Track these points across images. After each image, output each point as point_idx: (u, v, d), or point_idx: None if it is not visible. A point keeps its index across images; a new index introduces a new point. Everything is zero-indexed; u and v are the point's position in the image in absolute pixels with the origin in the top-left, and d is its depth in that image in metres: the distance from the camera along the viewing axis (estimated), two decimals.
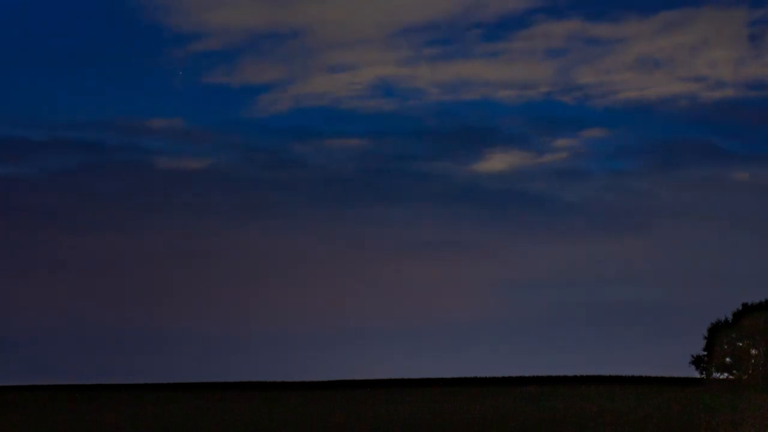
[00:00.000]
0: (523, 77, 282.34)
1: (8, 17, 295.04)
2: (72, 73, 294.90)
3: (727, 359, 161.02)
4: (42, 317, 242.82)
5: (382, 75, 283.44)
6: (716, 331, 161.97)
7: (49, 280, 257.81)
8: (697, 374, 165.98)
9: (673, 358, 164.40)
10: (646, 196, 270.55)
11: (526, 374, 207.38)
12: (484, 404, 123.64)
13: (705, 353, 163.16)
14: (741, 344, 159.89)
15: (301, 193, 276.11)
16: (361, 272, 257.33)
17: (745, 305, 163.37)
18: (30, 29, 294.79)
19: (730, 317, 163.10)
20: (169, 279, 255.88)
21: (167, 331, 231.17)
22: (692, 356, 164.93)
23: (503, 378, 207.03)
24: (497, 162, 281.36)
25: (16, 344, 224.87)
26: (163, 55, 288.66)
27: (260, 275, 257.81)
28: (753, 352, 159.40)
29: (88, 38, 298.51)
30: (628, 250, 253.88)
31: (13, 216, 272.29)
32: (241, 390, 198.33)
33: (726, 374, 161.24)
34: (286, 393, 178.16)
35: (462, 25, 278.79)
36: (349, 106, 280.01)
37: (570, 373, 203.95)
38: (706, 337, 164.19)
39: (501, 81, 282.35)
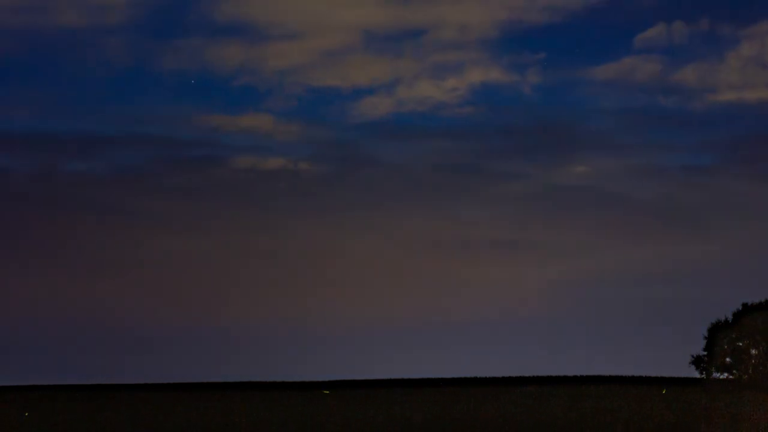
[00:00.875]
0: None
1: None
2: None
3: (727, 359, 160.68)
4: (79, 315, 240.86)
5: (483, 80, 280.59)
6: (716, 331, 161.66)
7: (113, 278, 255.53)
8: (696, 374, 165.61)
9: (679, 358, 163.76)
10: (724, 194, 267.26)
11: (526, 374, 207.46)
12: (469, 405, 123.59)
13: (705, 353, 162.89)
14: (741, 344, 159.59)
15: (378, 193, 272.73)
16: (424, 271, 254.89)
17: (745, 305, 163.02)
18: None
19: (730, 317, 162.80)
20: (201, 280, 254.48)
21: (183, 331, 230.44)
22: (692, 356, 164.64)
23: (502, 378, 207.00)
24: (583, 163, 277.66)
25: (94, 341, 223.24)
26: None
27: (318, 276, 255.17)
28: (753, 352, 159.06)
29: None
30: (701, 250, 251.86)
31: (81, 213, 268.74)
32: (245, 390, 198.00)
33: (726, 374, 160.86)
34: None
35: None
36: (448, 111, 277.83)
37: (570, 373, 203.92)
38: (705, 337, 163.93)
39: (600, 81, 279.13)
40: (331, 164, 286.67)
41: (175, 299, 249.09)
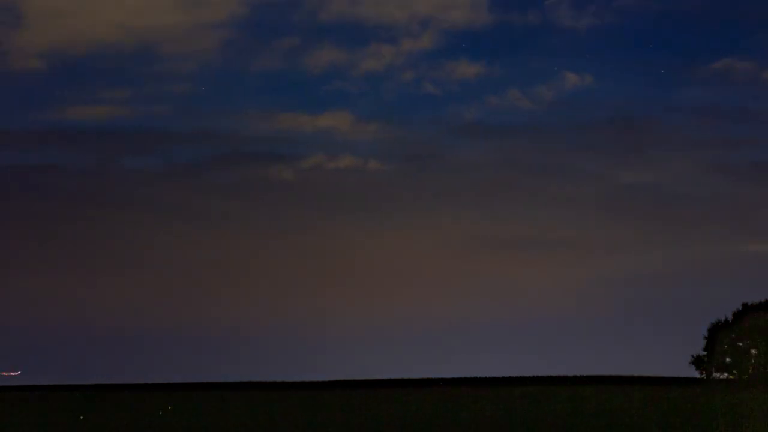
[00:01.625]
0: None
1: None
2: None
3: (727, 359, 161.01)
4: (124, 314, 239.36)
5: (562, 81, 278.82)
6: (716, 331, 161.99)
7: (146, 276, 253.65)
8: (697, 374, 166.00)
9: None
10: None
11: (526, 374, 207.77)
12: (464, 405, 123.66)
13: (705, 353, 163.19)
14: (741, 344, 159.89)
15: (447, 193, 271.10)
16: (477, 268, 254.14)
17: (745, 305, 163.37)
18: None
19: (730, 317, 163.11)
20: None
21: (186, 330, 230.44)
22: (692, 356, 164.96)
23: (502, 378, 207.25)
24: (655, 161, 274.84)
25: (146, 339, 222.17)
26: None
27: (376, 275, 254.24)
28: (753, 351, 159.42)
29: None
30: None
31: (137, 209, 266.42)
32: (245, 390, 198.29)
33: (726, 374, 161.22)
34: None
35: None
36: (526, 111, 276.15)
37: (571, 373, 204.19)
38: (706, 337, 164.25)
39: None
40: (403, 163, 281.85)
41: (239, 297, 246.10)
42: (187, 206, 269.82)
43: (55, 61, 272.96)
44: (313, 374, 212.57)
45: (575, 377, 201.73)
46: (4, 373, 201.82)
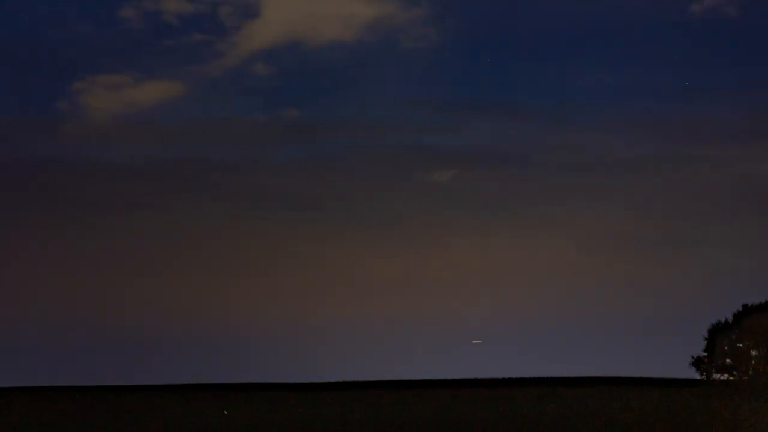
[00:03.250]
0: None
1: None
2: None
3: (728, 360, 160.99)
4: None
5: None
6: (716, 332, 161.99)
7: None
8: (696, 375, 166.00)
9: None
10: None
11: (526, 375, 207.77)
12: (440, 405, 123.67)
13: (705, 354, 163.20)
14: (741, 345, 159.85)
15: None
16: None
17: (745, 306, 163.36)
18: None
19: (730, 318, 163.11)
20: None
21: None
22: (692, 357, 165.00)
23: (502, 379, 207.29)
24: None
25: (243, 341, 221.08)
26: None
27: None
28: (753, 353, 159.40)
29: None
30: None
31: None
32: (246, 391, 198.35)
33: (726, 375, 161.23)
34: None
35: None
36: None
37: (571, 374, 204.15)
38: (706, 338, 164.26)
39: None
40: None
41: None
42: None
43: None
44: (312, 375, 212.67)
45: (575, 378, 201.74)
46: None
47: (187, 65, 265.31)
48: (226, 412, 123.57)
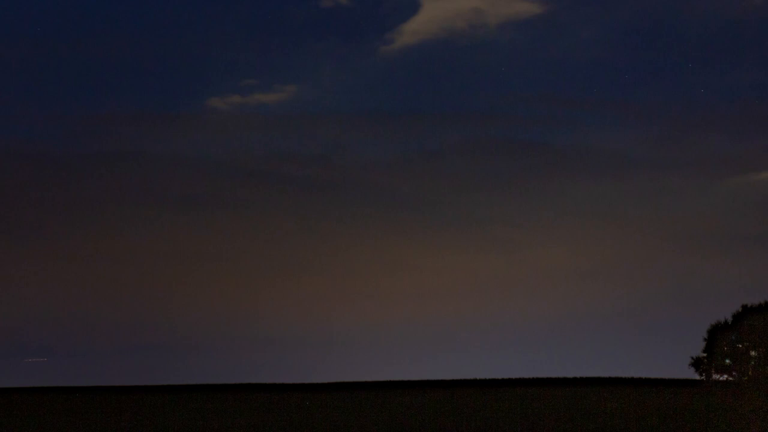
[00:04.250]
0: None
1: None
2: None
3: (727, 361, 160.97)
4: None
5: None
6: (716, 333, 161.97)
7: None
8: (696, 376, 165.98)
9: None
10: None
11: (526, 376, 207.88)
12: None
13: (705, 355, 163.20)
14: (740, 346, 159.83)
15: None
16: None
17: (744, 307, 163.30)
18: None
19: (729, 319, 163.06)
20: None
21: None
22: (692, 358, 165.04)
23: (499, 380, 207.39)
24: None
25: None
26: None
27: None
28: (753, 353, 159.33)
29: None
30: None
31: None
32: (247, 392, 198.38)
33: (726, 376, 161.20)
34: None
35: None
36: None
37: (570, 374, 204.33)
38: (705, 339, 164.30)
39: None
40: None
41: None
42: None
43: None
44: (313, 375, 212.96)
45: (575, 378, 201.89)
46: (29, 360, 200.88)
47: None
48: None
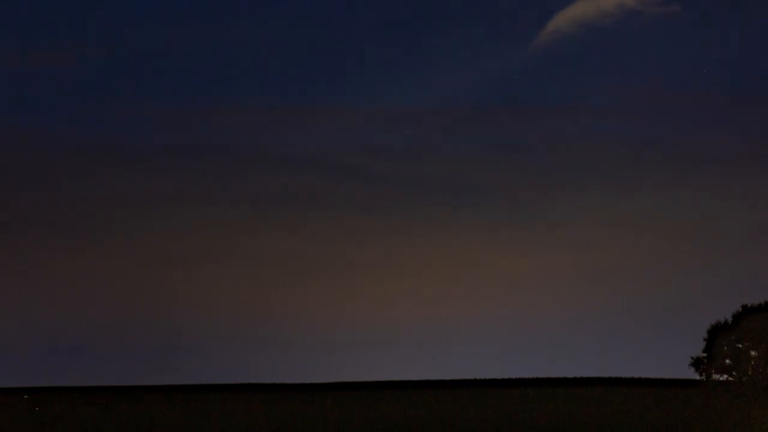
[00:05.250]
0: None
1: None
2: None
3: (727, 361, 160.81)
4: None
5: None
6: (716, 333, 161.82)
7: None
8: (696, 376, 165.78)
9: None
10: None
11: (526, 376, 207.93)
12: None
13: (705, 355, 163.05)
14: (741, 346, 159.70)
15: None
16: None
17: (744, 307, 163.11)
18: None
19: (729, 319, 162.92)
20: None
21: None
22: (692, 358, 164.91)
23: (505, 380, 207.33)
24: None
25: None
26: None
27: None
28: (753, 353, 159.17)
29: None
30: None
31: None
32: (247, 391, 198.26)
33: (726, 376, 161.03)
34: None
35: None
36: None
37: (569, 375, 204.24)
38: (705, 339, 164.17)
39: None
40: None
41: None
42: None
43: None
44: (313, 375, 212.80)
45: (575, 378, 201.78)
46: None
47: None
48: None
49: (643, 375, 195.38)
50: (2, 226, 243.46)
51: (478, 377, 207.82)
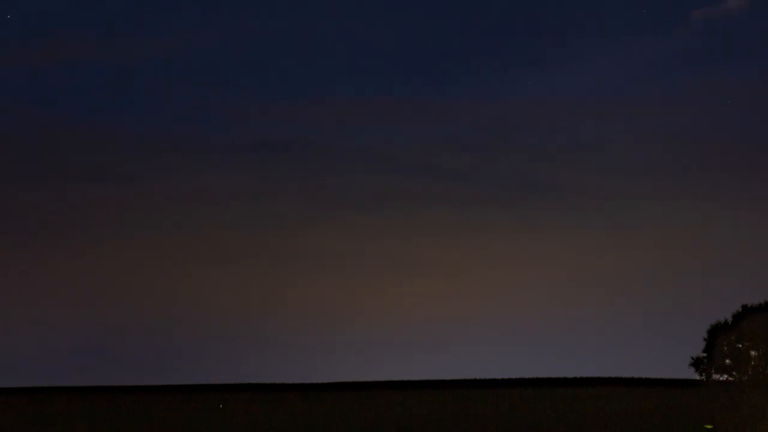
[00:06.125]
0: None
1: None
2: None
3: (727, 361, 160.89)
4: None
5: None
6: (716, 333, 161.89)
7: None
8: (696, 376, 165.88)
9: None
10: None
11: (527, 376, 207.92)
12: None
13: (704, 355, 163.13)
14: (741, 346, 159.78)
15: None
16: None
17: (744, 306, 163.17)
18: None
19: (729, 319, 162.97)
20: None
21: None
22: (692, 358, 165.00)
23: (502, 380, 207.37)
24: None
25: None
26: None
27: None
28: (753, 354, 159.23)
29: None
30: None
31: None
32: (246, 392, 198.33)
33: (726, 376, 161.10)
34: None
35: None
36: None
37: (569, 375, 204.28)
38: (705, 339, 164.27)
39: None
40: None
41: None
42: None
43: None
44: (313, 375, 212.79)
45: (575, 378, 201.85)
46: None
47: None
48: (221, 405, 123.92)
49: (643, 375, 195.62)
50: (2, 226, 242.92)
51: (478, 377, 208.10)
